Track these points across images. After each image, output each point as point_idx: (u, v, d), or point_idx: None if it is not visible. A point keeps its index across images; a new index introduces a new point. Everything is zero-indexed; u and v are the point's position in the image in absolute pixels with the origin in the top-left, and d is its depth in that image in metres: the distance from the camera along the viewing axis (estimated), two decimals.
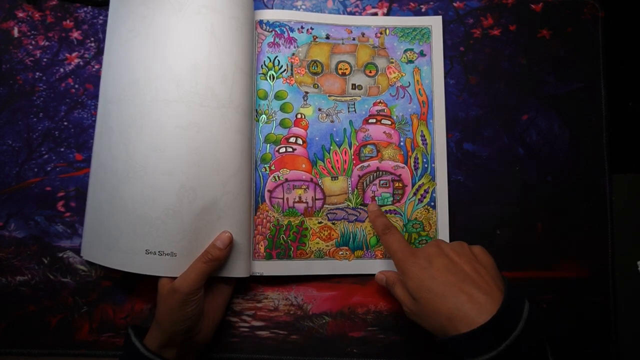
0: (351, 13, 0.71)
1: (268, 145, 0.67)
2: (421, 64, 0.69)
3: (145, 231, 0.58)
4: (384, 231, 0.61)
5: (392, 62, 0.69)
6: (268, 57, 0.68)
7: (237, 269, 0.62)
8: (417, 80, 0.69)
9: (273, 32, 0.69)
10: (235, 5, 0.63)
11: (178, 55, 0.60)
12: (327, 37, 0.69)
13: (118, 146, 0.60)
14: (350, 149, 0.67)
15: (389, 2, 0.72)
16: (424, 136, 0.67)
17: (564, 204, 0.68)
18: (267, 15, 0.69)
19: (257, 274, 0.65)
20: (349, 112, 0.68)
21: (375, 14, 0.71)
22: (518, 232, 0.68)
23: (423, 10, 0.71)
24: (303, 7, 0.72)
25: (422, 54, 0.69)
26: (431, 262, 0.54)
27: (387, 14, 0.71)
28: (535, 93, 0.70)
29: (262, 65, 0.68)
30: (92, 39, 0.71)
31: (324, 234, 0.66)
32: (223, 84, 0.61)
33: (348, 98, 0.68)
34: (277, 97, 0.68)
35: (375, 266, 0.66)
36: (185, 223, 0.59)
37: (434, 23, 0.70)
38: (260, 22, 0.69)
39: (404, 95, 0.68)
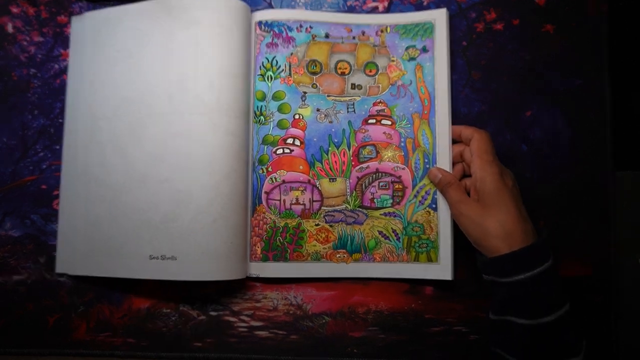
0: (351, 7, 0.70)
1: (265, 146, 0.66)
2: (423, 60, 0.67)
3: (150, 235, 0.62)
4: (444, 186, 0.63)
5: (393, 61, 0.67)
6: (266, 57, 0.67)
7: (234, 271, 0.63)
8: (419, 78, 0.66)
9: (271, 32, 0.67)
10: (219, 14, 0.64)
11: (168, 71, 0.64)
12: (327, 36, 0.68)
13: (113, 159, 0.64)
14: (349, 150, 0.66)
15: None
16: (426, 135, 0.65)
17: (566, 202, 0.68)
18: (266, 15, 0.68)
19: (254, 275, 0.65)
20: (348, 112, 0.67)
21: (376, 7, 0.70)
22: None
23: (425, 3, 0.70)
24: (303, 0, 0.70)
25: (424, 49, 0.67)
26: (506, 183, 0.59)
27: (388, 7, 0.70)
28: (539, 89, 0.69)
29: (260, 67, 0.67)
30: None
31: (321, 237, 0.65)
32: (209, 90, 0.63)
33: (347, 98, 0.67)
34: (275, 97, 0.67)
35: (373, 269, 0.65)
36: (184, 226, 0.61)
37: (438, 17, 0.67)
38: (260, 23, 0.68)
39: (405, 94, 0.66)
